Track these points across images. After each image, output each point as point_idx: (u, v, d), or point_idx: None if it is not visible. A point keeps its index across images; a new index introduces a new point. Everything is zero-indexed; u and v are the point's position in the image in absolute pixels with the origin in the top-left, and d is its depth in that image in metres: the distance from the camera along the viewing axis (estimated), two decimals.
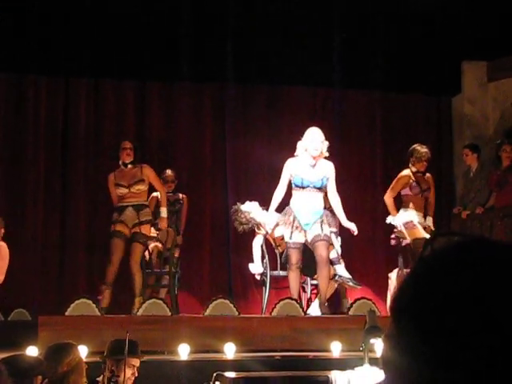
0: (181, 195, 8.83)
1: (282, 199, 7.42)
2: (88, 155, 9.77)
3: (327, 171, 7.30)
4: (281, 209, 7.42)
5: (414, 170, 8.11)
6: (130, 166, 7.83)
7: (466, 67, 10.33)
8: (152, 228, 7.95)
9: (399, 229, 7.99)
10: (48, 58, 9.47)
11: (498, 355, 0.82)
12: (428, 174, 8.24)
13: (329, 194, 7.39)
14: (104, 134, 9.91)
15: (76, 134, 9.79)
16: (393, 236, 8.15)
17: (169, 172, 8.78)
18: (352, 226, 7.49)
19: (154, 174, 7.93)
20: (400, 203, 8.16)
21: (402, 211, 8.07)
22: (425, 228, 7.96)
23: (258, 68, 9.84)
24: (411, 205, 8.07)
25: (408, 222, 7.97)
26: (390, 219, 8.16)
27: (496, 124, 10.19)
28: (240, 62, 9.73)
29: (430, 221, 8.16)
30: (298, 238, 7.18)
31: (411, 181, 8.09)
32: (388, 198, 8.15)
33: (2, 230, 7.38)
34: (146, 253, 8.02)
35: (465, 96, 10.35)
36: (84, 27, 9.35)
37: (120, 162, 7.86)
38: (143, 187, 7.78)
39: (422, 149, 8.09)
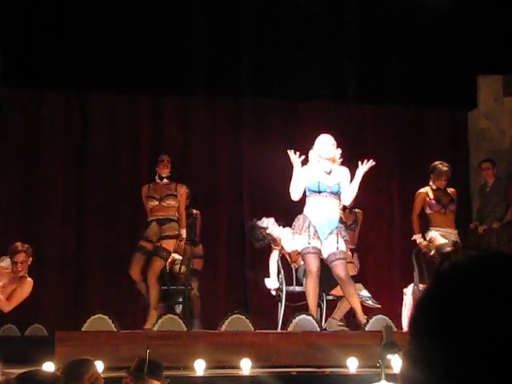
0: (194, 211, 8.83)
1: (294, 208, 7.30)
2: (104, 171, 9.81)
3: (342, 176, 7.13)
4: (292, 218, 7.31)
5: (434, 187, 8.06)
6: (166, 180, 7.87)
7: (481, 81, 10.31)
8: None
9: (428, 249, 7.90)
10: (64, 75, 9.55)
11: None
12: (452, 189, 8.17)
13: (343, 198, 7.20)
14: (120, 150, 9.95)
15: (92, 150, 9.85)
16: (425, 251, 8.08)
17: (184, 187, 8.81)
18: (366, 165, 7.05)
19: (185, 196, 7.98)
20: (428, 223, 8.10)
21: (432, 231, 8.01)
22: (456, 243, 7.85)
23: (274, 82, 9.86)
24: (440, 222, 7.98)
25: (430, 239, 7.93)
26: (415, 237, 8.12)
27: None
28: (255, 76, 9.76)
29: (457, 237, 8.04)
30: (316, 243, 7.00)
31: (428, 198, 8.02)
32: (412, 217, 8.13)
33: (31, 259, 7.38)
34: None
35: (481, 110, 10.33)
36: (100, 43, 9.43)
37: (156, 176, 7.90)
38: (174, 202, 7.80)
39: (442, 167, 8.00)
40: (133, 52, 9.53)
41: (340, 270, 6.96)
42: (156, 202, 7.75)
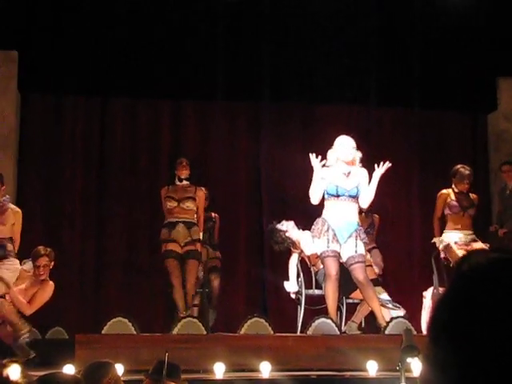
0: (213, 214, 8.84)
1: (314, 211, 7.27)
2: (124, 175, 9.85)
3: (361, 178, 7.07)
4: (312, 222, 7.30)
5: (456, 190, 8.05)
6: (185, 182, 7.89)
7: (501, 83, 10.26)
8: None
9: (453, 249, 7.87)
10: (84, 79, 9.60)
11: None
12: (474, 195, 8.15)
13: (360, 200, 7.10)
14: (140, 154, 9.99)
15: (112, 154, 9.89)
16: (442, 255, 8.04)
17: (203, 190, 8.83)
18: (383, 167, 6.96)
19: (203, 199, 8.00)
20: (445, 225, 8.08)
21: (447, 233, 7.99)
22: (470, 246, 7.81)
23: (293, 86, 9.87)
24: (452, 225, 7.96)
25: (446, 245, 7.89)
26: (435, 240, 8.10)
27: None
28: (275, 80, 9.77)
29: (474, 239, 8.00)
30: (336, 247, 6.97)
31: (449, 199, 8.01)
32: (434, 219, 8.12)
33: (53, 263, 7.43)
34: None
35: (501, 112, 10.27)
36: (120, 48, 9.47)
37: (176, 178, 7.92)
38: (192, 205, 7.82)
39: (465, 170, 8.00)
40: (153, 56, 9.57)
41: (359, 273, 6.94)
42: (175, 203, 7.77)
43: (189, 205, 7.81)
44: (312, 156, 6.98)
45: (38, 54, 9.41)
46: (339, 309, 7.66)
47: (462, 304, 0.87)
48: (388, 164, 6.99)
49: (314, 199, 7.07)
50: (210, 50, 9.68)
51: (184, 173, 7.91)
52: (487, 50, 9.58)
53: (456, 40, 9.68)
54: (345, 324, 7.56)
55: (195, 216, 7.94)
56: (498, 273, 0.88)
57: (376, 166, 7.04)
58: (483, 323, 0.84)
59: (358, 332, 7.53)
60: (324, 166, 7.01)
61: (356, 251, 6.95)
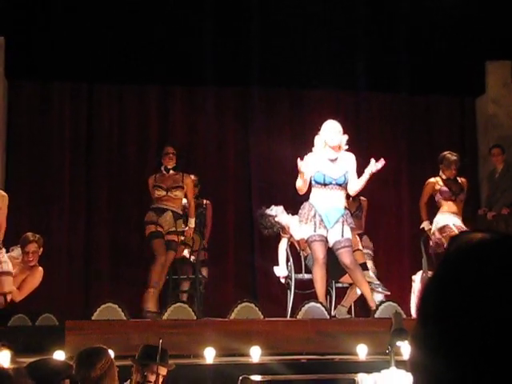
0: (205, 201, 8.83)
1: (302, 197, 7.26)
2: (112, 161, 9.83)
3: (348, 163, 7.07)
4: (297, 206, 7.30)
5: (444, 177, 8.07)
6: (172, 171, 7.90)
7: (489, 67, 10.26)
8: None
9: (437, 236, 7.89)
10: (71, 65, 9.54)
11: None
12: (462, 179, 8.18)
13: (349, 186, 7.13)
14: (128, 140, 9.96)
15: (100, 141, 9.86)
16: (431, 243, 8.05)
17: (192, 177, 8.82)
18: (378, 164, 6.89)
19: (192, 186, 8.02)
20: (437, 209, 8.11)
21: (438, 215, 8.01)
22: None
23: (282, 72, 9.84)
24: (449, 208, 8.00)
25: (444, 226, 7.89)
26: (424, 225, 8.13)
27: None
28: (263, 65, 9.74)
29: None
30: (322, 231, 6.99)
31: (438, 186, 8.03)
32: (420, 203, 8.16)
33: (41, 249, 7.41)
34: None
35: (489, 96, 10.28)
36: (107, 33, 9.41)
37: (162, 168, 7.92)
38: (181, 194, 7.84)
39: (451, 156, 8.03)
40: (140, 42, 9.51)
41: (346, 257, 6.97)
42: (163, 192, 7.78)
43: (177, 193, 7.82)
44: (300, 161, 6.88)
45: (24, 40, 9.34)
46: (329, 293, 7.69)
47: (449, 285, 0.87)
48: (382, 161, 6.93)
49: (301, 191, 7.10)
50: (197, 35, 9.62)
51: (170, 163, 7.91)
52: (475, 33, 9.58)
53: (444, 24, 9.67)
54: (334, 308, 7.58)
55: (181, 206, 7.94)
56: (485, 253, 0.88)
57: (373, 160, 6.96)
58: (470, 304, 0.84)
59: (348, 316, 7.56)
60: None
61: (342, 235, 6.97)
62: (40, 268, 7.33)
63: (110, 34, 9.42)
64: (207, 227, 8.88)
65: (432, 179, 8.14)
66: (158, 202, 7.82)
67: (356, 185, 7.09)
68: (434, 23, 9.69)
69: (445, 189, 8.01)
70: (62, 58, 9.44)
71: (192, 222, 8.01)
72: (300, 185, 7.02)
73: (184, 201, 8.11)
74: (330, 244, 7.03)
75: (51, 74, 9.63)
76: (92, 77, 9.75)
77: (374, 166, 6.92)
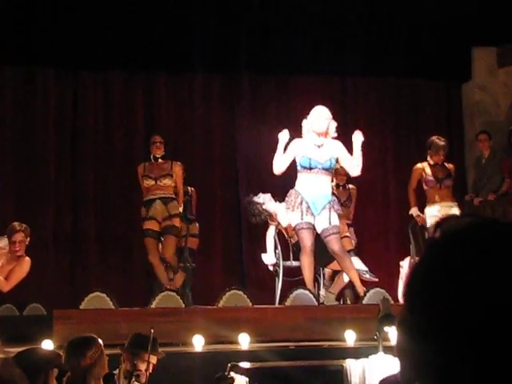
0: (189, 188, 8.80)
1: (290, 184, 7.28)
2: (98, 149, 9.78)
3: (335, 151, 7.07)
4: (285, 193, 7.31)
5: (431, 162, 8.08)
6: (160, 160, 7.91)
7: (476, 53, 10.27)
8: None
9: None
10: (56, 52, 9.47)
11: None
12: (450, 164, 8.19)
13: (349, 169, 7.22)
14: (114, 127, 9.92)
15: (85, 128, 9.81)
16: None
17: (178, 164, 8.79)
18: (357, 138, 7.14)
19: (181, 174, 8.05)
20: (425, 199, 8.13)
21: (426, 209, 8.03)
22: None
23: (268, 58, 9.81)
24: (436, 198, 8.01)
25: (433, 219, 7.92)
26: (412, 211, 8.15)
27: (507, 110, 10.14)
28: (249, 51, 9.70)
29: (455, 209, 8.05)
30: (310, 219, 6.99)
31: (424, 174, 8.04)
32: (409, 189, 8.18)
33: (28, 239, 7.38)
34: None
35: (475, 82, 10.30)
36: (91, 19, 9.34)
37: (151, 156, 7.93)
38: (170, 182, 7.87)
39: (439, 142, 8.04)
40: (126, 28, 9.45)
41: (334, 244, 6.97)
42: (152, 182, 7.80)
43: (166, 182, 7.84)
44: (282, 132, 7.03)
45: (9, 26, 9.26)
46: (317, 280, 7.71)
47: (435, 270, 0.87)
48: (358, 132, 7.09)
49: (277, 170, 7.11)
50: (184, 21, 9.58)
51: (158, 152, 7.93)
52: (462, 19, 9.57)
53: (431, 10, 9.66)
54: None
55: (173, 191, 7.96)
56: (470, 237, 0.88)
57: (356, 132, 7.09)
58: (457, 289, 0.84)
59: (336, 303, 7.59)
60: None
61: (330, 222, 6.97)
62: (27, 258, 7.30)
63: (95, 19, 9.35)
64: (194, 214, 8.86)
65: (419, 165, 8.15)
66: (147, 194, 7.85)
67: (355, 163, 7.14)
68: (421, 9, 9.67)
69: (429, 178, 8.02)
70: (47, 45, 9.37)
71: (180, 210, 8.05)
72: (277, 159, 7.05)
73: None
74: (318, 231, 7.03)
75: (36, 60, 9.55)
76: (77, 63, 9.68)
77: (359, 136, 7.08)
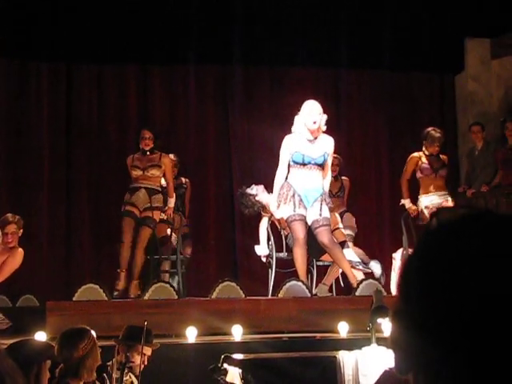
0: (183, 179, 8.82)
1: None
2: (91, 141, 9.76)
3: (328, 146, 7.09)
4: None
5: (427, 152, 8.08)
6: (149, 153, 7.91)
7: (469, 44, 10.27)
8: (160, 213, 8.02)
9: (425, 214, 7.90)
10: (49, 45, 9.44)
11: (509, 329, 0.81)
12: (444, 156, 8.20)
13: (325, 169, 7.22)
14: (107, 120, 9.89)
15: (79, 121, 9.79)
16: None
17: (172, 156, 8.78)
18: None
19: (170, 166, 8.03)
20: (418, 189, 8.12)
21: (422, 197, 8.02)
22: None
23: (261, 49, 9.79)
24: (431, 187, 8.01)
25: (420, 210, 7.93)
26: (404, 202, 8.13)
27: (500, 101, 10.16)
28: (243, 42, 9.68)
29: (448, 199, 8.06)
30: (302, 211, 6.99)
31: (420, 162, 8.04)
32: (402, 180, 8.16)
33: (21, 231, 7.37)
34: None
35: (468, 73, 10.30)
36: (85, 13, 9.31)
37: (140, 150, 7.92)
38: (158, 173, 7.85)
39: (435, 133, 8.02)
40: (118, 20, 9.42)
41: (323, 236, 6.98)
42: (140, 172, 7.80)
43: (153, 172, 7.82)
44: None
45: (2, 19, 9.22)
46: (310, 272, 7.72)
47: (430, 260, 0.87)
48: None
49: (280, 180, 7.15)
50: (176, 13, 9.55)
51: (147, 147, 7.90)
52: (455, 10, 9.57)
53: (424, 1, 9.65)
54: (315, 286, 7.61)
55: (160, 184, 7.94)
56: (465, 228, 0.88)
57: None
58: (452, 280, 0.84)
59: (329, 294, 7.60)
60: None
61: (321, 215, 6.98)
62: (20, 249, 7.29)
63: (88, 13, 9.31)
64: (187, 206, 8.87)
65: (416, 154, 8.15)
66: (136, 182, 7.85)
67: (326, 183, 7.23)
68: (415, 0, 9.67)
69: (425, 166, 8.03)
70: (40, 38, 9.34)
71: (172, 202, 8.02)
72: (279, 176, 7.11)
73: (163, 181, 8.10)
74: (309, 223, 7.04)
75: (28, 54, 9.51)
76: (70, 57, 9.65)
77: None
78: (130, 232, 7.69)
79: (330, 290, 7.79)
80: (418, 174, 8.08)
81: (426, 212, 7.86)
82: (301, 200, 6.96)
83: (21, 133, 9.60)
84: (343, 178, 8.69)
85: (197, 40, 9.56)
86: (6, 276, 7.22)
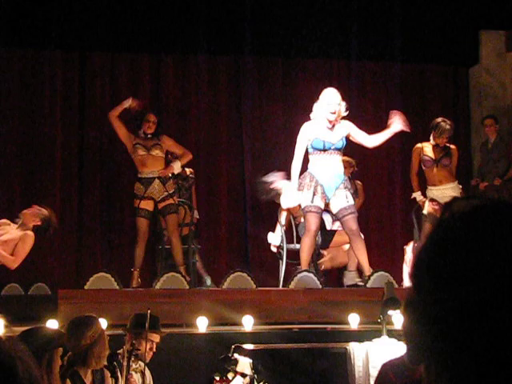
0: (188, 170, 8.69)
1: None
2: (104, 131, 9.76)
3: (346, 130, 7.07)
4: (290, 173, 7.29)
5: (433, 143, 7.97)
6: (150, 136, 7.90)
7: (483, 37, 10.21)
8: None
9: (429, 206, 7.86)
10: (62, 33, 9.44)
11: None
12: (452, 146, 8.07)
13: (366, 141, 7.21)
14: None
15: (92, 110, 9.80)
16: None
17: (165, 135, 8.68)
18: (396, 127, 7.23)
19: (172, 142, 8.01)
20: (426, 181, 8.05)
21: (428, 189, 7.95)
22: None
23: (274, 40, 9.77)
24: (436, 180, 7.91)
25: (432, 202, 7.88)
26: (415, 195, 8.07)
27: None
28: (256, 33, 9.67)
29: (456, 189, 7.94)
30: (320, 203, 6.98)
31: (422, 154, 7.95)
32: (411, 174, 8.09)
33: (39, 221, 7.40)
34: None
35: (483, 66, 10.24)
36: (98, 1, 9.31)
37: (141, 131, 7.89)
38: (161, 153, 7.85)
39: (445, 125, 7.85)
40: (132, 9, 9.42)
41: (352, 223, 6.99)
42: (145, 151, 7.75)
43: (158, 152, 7.82)
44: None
45: (14, 7, 9.24)
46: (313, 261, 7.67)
47: (444, 251, 0.87)
48: (407, 129, 7.19)
49: (296, 169, 7.12)
50: (190, 3, 9.54)
51: (149, 130, 7.88)
52: (470, 2, 9.52)
53: None
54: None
55: (164, 164, 7.91)
56: (478, 217, 0.88)
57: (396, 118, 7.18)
58: (466, 268, 0.84)
59: (358, 280, 7.54)
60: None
61: (347, 201, 6.99)
62: (30, 232, 7.28)
63: (101, 1, 9.32)
64: (194, 198, 8.77)
65: (419, 144, 8.05)
66: (143, 168, 7.77)
67: (375, 139, 7.21)
68: None
69: (427, 158, 7.92)
70: (53, 26, 9.35)
71: (177, 165, 7.94)
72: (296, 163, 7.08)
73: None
74: (335, 211, 7.03)
75: (42, 42, 9.52)
76: (83, 45, 9.66)
77: (400, 127, 7.11)
78: (144, 232, 7.73)
79: (360, 276, 7.68)
80: (423, 167, 8.00)
81: (428, 204, 7.79)
82: (323, 191, 6.93)
83: (34, 121, 9.61)
84: (357, 182, 8.59)
85: (210, 30, 9.55)
86: (20, 261, 7.23)
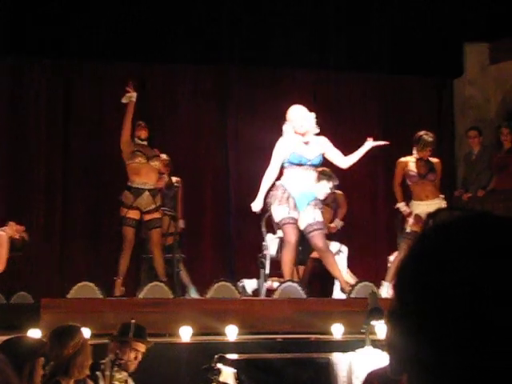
0: (175, 179, 8.69)
1: (280, 177, 7.26)
2: (88, 140, 9.74)
3: (321, 146, 7.12)
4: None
5: (417, 157, 7.95)
6: (145, 142, 7.89)
7: (467, 49, 10.28)
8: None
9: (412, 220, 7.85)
10: (48, 42, 9.42)
11: (507, 333, 0.81)
12: (435, 159, 8.05)
13: (338, 161, 7.25)
14: (105, 118, 9.87)
15: (77, 120, 9.76)
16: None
17: (164, 156, 8.71)
18: (378, 142, 7.34)
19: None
20: (411, 195, 8.04)
21: (413, 203, 7.92)
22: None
23: (260, 50, 9.80)
24: (422, 195, 7.88)
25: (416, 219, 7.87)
26: (399, 205, 8.04)
27: (498, 106, 10.16)
28: (241, 43, 9.69)
29: (442, 205, 7.95)
30: (295, 214, 6.99)
31: (407, 168, 7.92)
32: (394, 186, 8.08)
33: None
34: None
35: (467, 78, 10.31)
36: (84, 10, 9.31)
37: (136, 138, 7.86)
38: (158, 165, 7.88)
39: (428, 138, 7.81)
40: (118, 19, 9.42)
41: (318, 240, 7.00)
42: (144, 160, 7.72)
43: (156, 164, 7.83)
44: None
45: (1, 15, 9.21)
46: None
47: (426, 261, 0.87)
48: (386, 142, 7.33)
49: (270, 180, 7.13)
50: (176, 13, 9.54)
51: (143, 133, 7.88)
52: (454, 14, 9.58)
53: (422, 4, 9.67)
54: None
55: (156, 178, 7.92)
56: (461, 229, 0.88)
57: (370, 138, 7.25)
58: (448, 280, 0.84)
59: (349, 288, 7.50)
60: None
61: (314, 218, 7.00)
62: (1, 233, 7.20)
63: (87, 11, 9.31)
64: (180, 206, 8.72)
65: (403, 159, 8.04)
66: (136, 178, 7.73)
67: (348, 159, 7.25)
68: (413, 3, 9.68)
69: (412, 173, 7.88)
70: (40, 35, 9.32)
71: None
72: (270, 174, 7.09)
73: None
74: (302, 227, 7.03)
75: (28, 50, 9.49)
76: (69, 54, 9.63)
77: (374, 142, 7.21)
78: (131, 240, 7.69)
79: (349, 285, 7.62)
80: (408, 182, 7.98)
81: (412, 222, 7.77)
82: (295, 204, 6.96)
83: (18, 130, 9.58)
84: (338, 192, 8.53)
85: (195, 40, 9.56)
86: (3, 262, 7.13)
